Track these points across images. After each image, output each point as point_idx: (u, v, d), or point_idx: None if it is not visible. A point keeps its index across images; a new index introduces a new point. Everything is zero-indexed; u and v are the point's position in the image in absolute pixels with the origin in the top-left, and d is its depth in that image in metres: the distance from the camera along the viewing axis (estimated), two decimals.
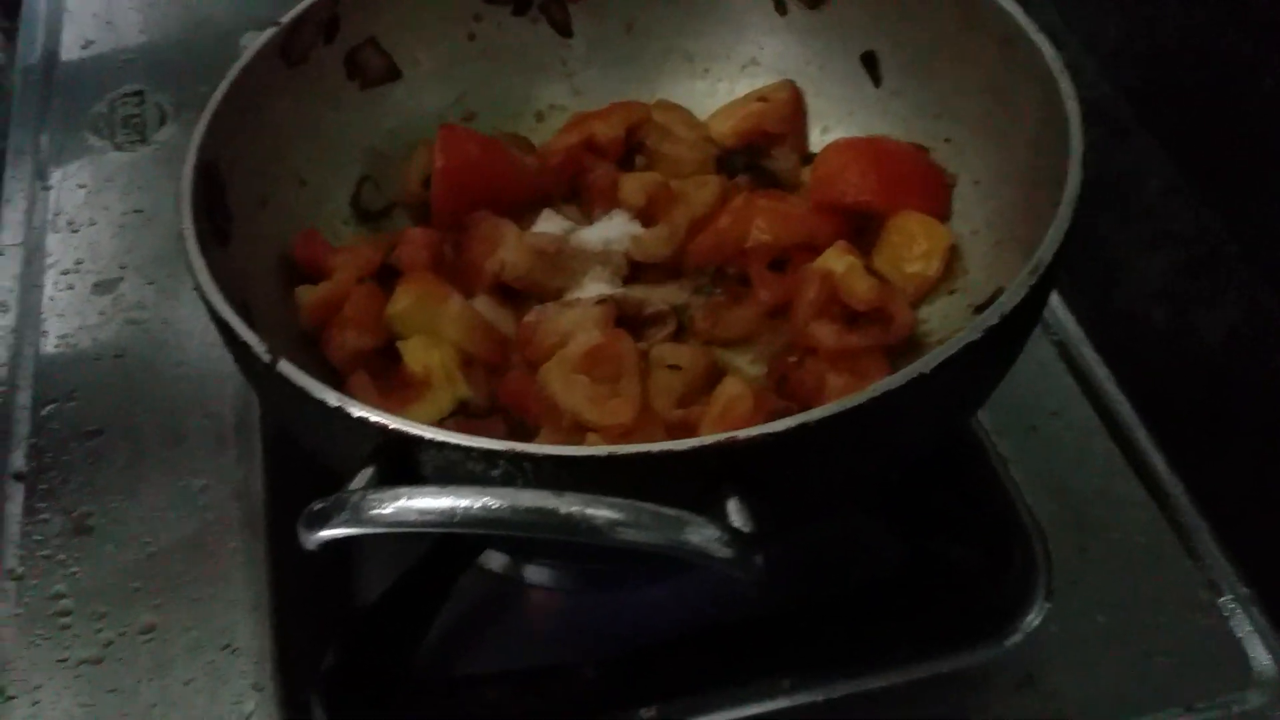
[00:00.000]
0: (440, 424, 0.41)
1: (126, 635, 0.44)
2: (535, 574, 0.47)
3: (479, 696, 0.44)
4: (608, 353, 0.44)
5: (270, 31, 0.47)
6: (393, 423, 0.34)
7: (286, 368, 0.36)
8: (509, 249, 0.48)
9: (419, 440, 0.34)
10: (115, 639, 0.44)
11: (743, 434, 0.32)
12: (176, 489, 0.48)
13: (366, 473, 0.34)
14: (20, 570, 0.45)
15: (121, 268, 0.55)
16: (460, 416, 0.44)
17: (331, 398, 0.35)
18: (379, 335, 0.46)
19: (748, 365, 0.47)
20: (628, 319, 0.46)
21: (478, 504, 0.30)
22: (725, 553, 0.30)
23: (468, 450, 0.33)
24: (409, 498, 0.31)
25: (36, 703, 0.43)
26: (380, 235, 0.50)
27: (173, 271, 0.55)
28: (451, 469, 0.34)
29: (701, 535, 0.31)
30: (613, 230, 0.49)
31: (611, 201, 0.50)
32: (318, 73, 0.49)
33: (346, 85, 0.50)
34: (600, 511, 0.30)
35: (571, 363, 0.43)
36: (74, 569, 0.46)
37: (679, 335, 0.47)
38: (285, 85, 0.48)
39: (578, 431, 0.43)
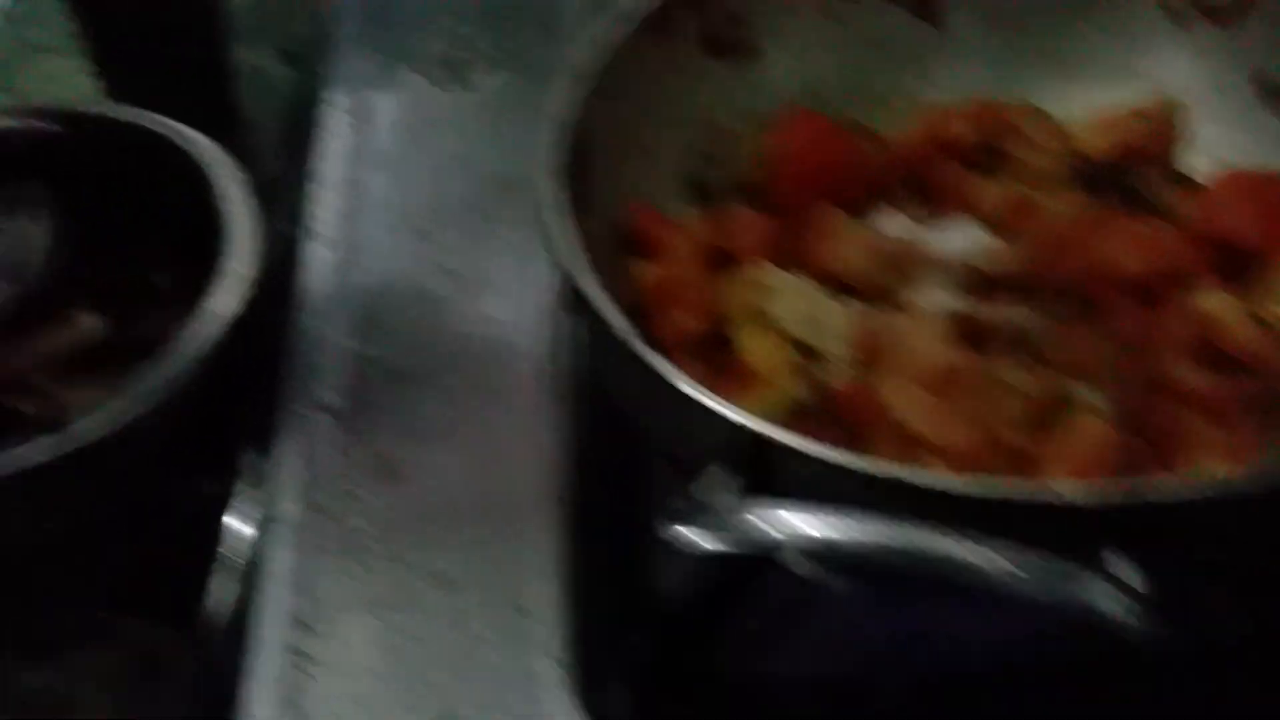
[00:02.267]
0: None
1: (425, 583, 0.46)
2: (844, 582, 0.47)
3: (775, 698, 0.44)
4: (954, 371, 0.43)
5: None
6: (756, 426, 0.34)
7: (643, 349, 0.37)
8: (851, 245, 0.48)
9: (784, 449, 0.34)
10: (415, 585, 0.46)
11: (1151, 494, 0.31)
12: (483, 443, 0.49)
13: (714, 471, 0.34)
14: (328, 505, 0.47)
15: (436, 212, 0.57)
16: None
17: (688, 386, 0.35)
18: (710, 319, 0.46)
19: (1090, 395, 0.45)
20: (970, 335, 0.46)
21: (871, 540, 0.30)
22: (1128, 618, 0.30)
23: (843, 470, 0.33)
24: (791, 524, 0.31)
25: (341, 641, 0.45)
26: (715, 215, 0.50)
27: (488, 220, 0.57)
28: (813, 483, 0.34)
29: (1100, 596, 0.30)
30: (960, 238, 0.48)
31: (959, 205, 0.49)
32: (676, 43, 0.50)
33: (700, 57, 0.51)
34: (995, 561, 0.30)
35: (915, 377, 0.43)
36: (379, 509, 0.48)
37: (1023, 357, 0.46)
38: (644, 53, 0.49)
39: (910, 447, 0.42)
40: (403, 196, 0.58)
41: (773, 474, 0.34)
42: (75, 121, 0.64)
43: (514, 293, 0.54)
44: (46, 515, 0.55)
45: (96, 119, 0.64)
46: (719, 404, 0.36)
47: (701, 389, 0.37)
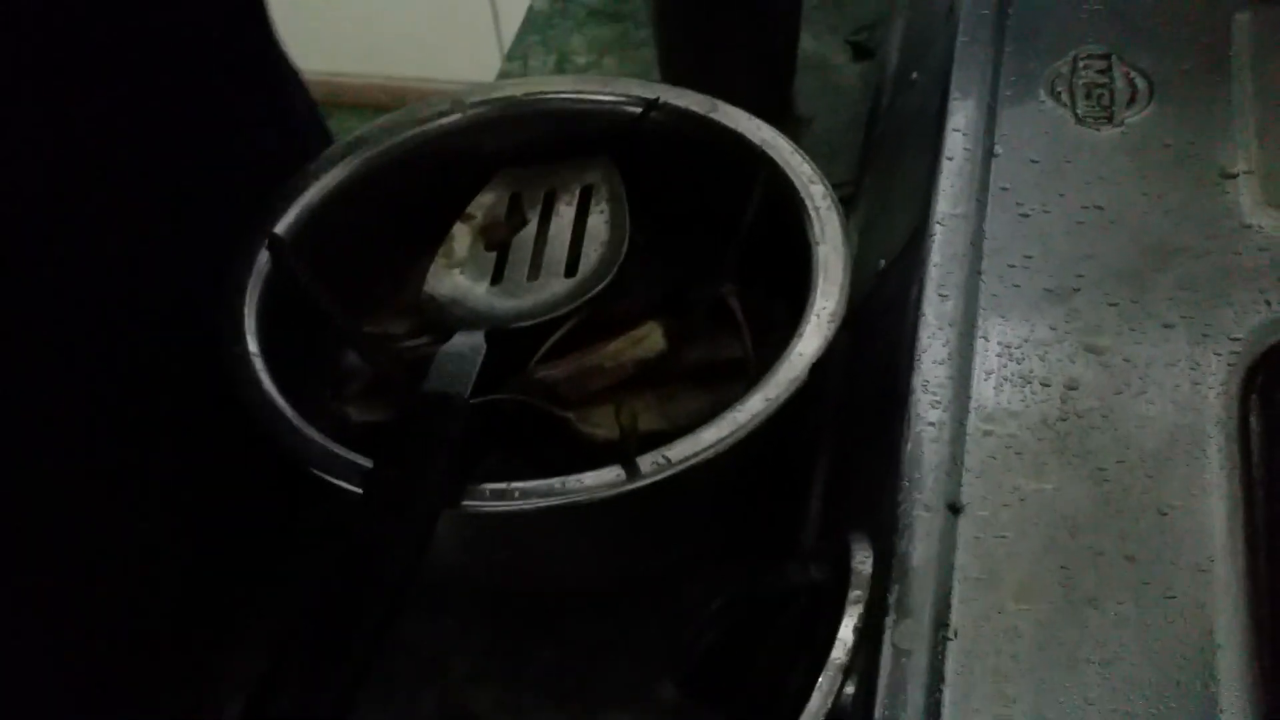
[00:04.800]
0: None
1: None
2: None
3: None
4: None
5: None
6: None
7: None
8: None
9: None
10: None
11: None
12: (1143, 573, 0.43)
13: None
14: (960, 626, 0.42)
15: (1078, 276, 0.51)
16: None
17: None
18: None
19: None
20: None
21: None
22: None
23: None
24: None
25: None
26: None
27: (1138, 295, 0.50)
28: None
29: None
30: None
31: None
32: None
33: None
34: None
35: None
36: (1013, 645, 0.42)
37: None
38: None
39: None
40: (1033, 249, 0.52)
41: None
42: (651, 108, 0.61)
43: (1176, 393, 0.47)
44: (606, 549, 0.53)
45: (679, 111, 0.61)
46: None
47: None
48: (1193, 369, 0.47)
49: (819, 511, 0.54)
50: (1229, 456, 0.45)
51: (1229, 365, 0.47)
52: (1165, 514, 0.44)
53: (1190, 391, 0.47)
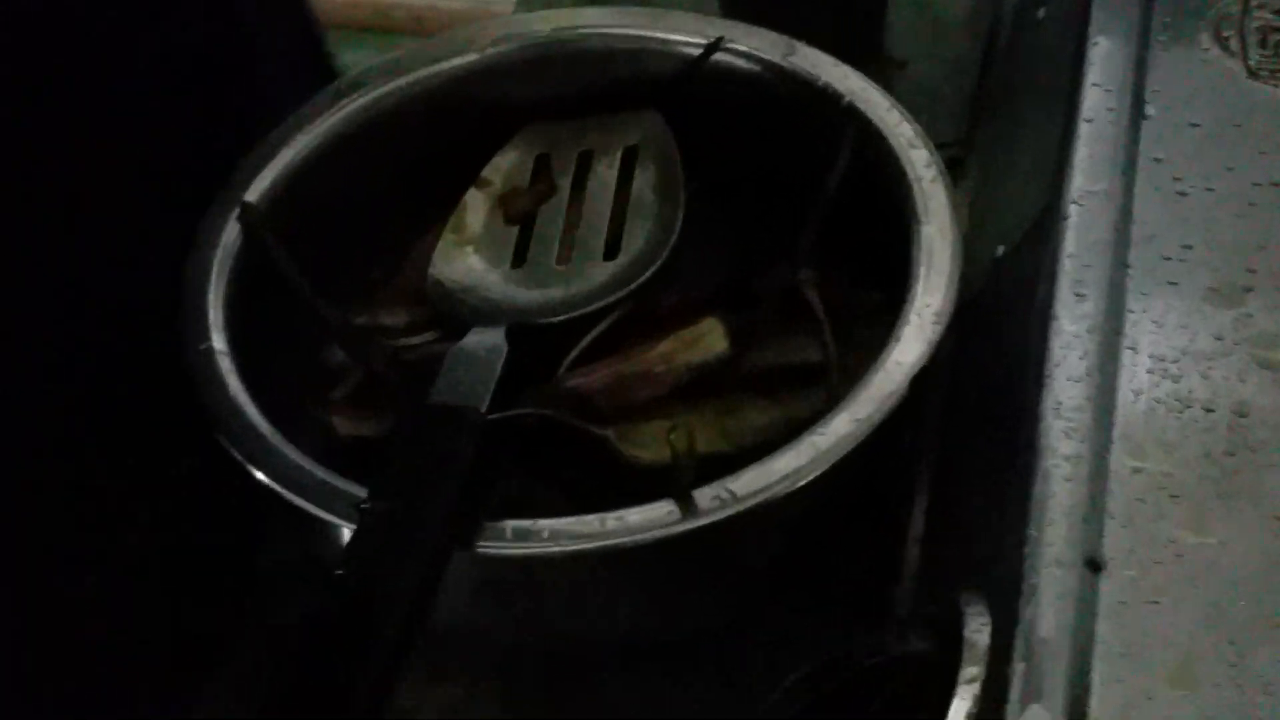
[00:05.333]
0: None
1: None
2: None
3: None
4: None
5: None
6: None
7: None
8: None
9: None
10: None
11: None
12: None
13: None
14: (1100, 714, 0.40)
15: (1250, 271, 0.49)
16: None
17: None
18: None
19: None
20: None
21: None
22: None
23: None
24: None
25: None
26: None
27: None
28: None
29: None
30: None
31: None
32: None
33: None
34: None
35: None
36: None
37: None
38: None
39: None
40: (1194, 237, 0.50)
41: None
42: (711, 49, 0.60)
43: None
44: (652, 601, 0.52)
45: (745, 54, 0.60)
46: None
47: None
48: None
49: (918, 562, 0.52)
50: None
51: None
52: None
53: None
